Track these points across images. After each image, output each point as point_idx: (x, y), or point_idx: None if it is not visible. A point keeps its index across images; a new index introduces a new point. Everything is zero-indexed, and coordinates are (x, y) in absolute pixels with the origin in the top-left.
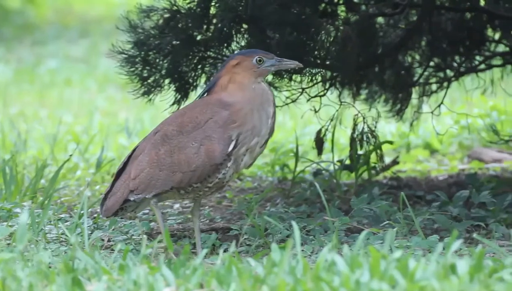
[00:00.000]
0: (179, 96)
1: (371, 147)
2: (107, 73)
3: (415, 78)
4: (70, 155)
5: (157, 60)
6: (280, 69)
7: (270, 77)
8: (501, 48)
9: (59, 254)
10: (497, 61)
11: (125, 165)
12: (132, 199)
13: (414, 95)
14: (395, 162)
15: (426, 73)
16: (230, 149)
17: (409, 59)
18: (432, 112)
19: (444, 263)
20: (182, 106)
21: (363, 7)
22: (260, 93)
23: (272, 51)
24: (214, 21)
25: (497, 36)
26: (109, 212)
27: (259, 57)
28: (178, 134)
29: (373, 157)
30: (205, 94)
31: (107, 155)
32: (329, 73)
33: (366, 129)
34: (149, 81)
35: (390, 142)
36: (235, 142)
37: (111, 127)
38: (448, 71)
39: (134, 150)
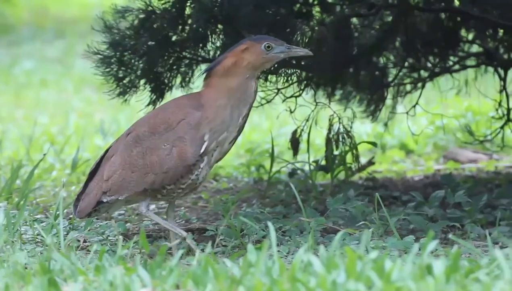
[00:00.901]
0: (155, 96)
1: (346, 148)
2: (83, 74)
3: (390, 79)
4: (44, 154)
5: (133, 60)
6: (289, 56)
7: None
8: (475, 48)
9: (35, 255)
10: (471, 61)
11: (98, 166)
12: (105, 200)
13: (389, 96)
14: (370, 163)
15: (400, 74)
16: (202, 150)
17: (384, 60)
18: (407, 113)
19: (420, 263)
20: (156, 106)
21: (338, 8)
22: (244, 89)
23: None
24: (190, 21)
25: (471, 36)
26: (83, 213)
27: (267, 43)
28: (150, 136)
29: (348, 158)
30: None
31: (83, 155)
32: (304, 74)
33: (341, 129)
34: (124, 81)
35: (373, 144)
36: (207, 135)
37: (87, 128)
38: (422, 71)
39: (107, 151)
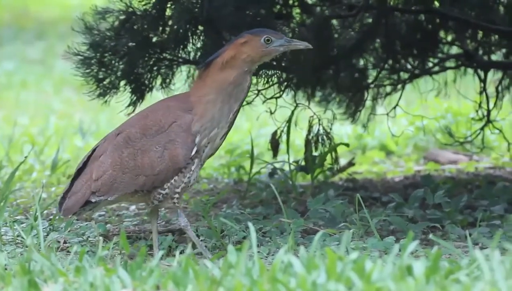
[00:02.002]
0: (135, 97)
1: (326, 149)
2: (63, 75)
3: (370, 81)
4: (26, 157)
5: (113, 61)
6: (289, 49)
7: None
8: (454, 50)
9: (15, 256)
10: (451, 63)
11: (85, 164)
12: (93, 200)
13: (369, 97)
14: (350, 164)
15: (380, 75)
16: (193, 153)
17: (364, 61)
18: (387, 114)
19: (400, 264)
20: (138, 108)
21: (318, 9)
22: (238, 83)
23: None
24: (170, 22)
25: (450, 38)
26: (69, 211)
27: (267, 36)
28: (142, 137)
29: (328, 159)
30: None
31: (63, 156)
32: (284, 75)
33: (321, 131)
34: (104, 82)
35: (346, 145)
36: (198, 137)
37: (67, 129)
38: (402, 73)
39: (94, 149)
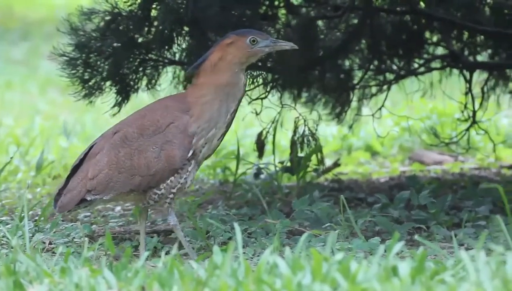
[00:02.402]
0: (120, 98)
1: (312, 150)
2: (48, 75)
3: (355, 81)
4: (11, 157)
5: (98, 62)
6: (275, 50)
7: None
8: (440, 51)
9: (0, 257)
10: (436, 64)
11: (81, 161)
12: (89, 198)
13: (354, 98)
14: (336, 164)
15: (366, 76)
16: (189, 154)
17: (350, 62)
18: (373, 115)
19: (385, 265)
20: (123, 109)
21: (304, 10)
22: (234, 84)
23: None
24: (155, 23)
25: (436, 38)
26: (64, 208)
27: (253, 37)
28: (139, 137)
29: (314, 159)
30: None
31: (48, 157)
32: (270, 76)
33: (307, 132)
34: (90, 83)
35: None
36: (195, 139)
37: (51, 129)
38: (388, 74)
39: (90, 147)
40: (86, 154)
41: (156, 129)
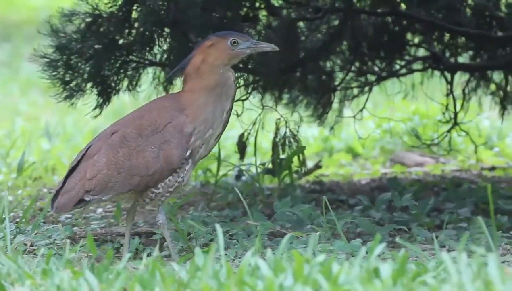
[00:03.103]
0: (102, 100)
1: (294, 151)
2: (29, 77)
3: (337, 83)
4: None
5: (79, 64)
6: (256, 52)
7: None
8: (421, 52)
9: None
10: (418, 65)
11: (78, 162)
12: (87, 199)
13: (336, 100)
14: (317, 166)
15: (347, 77)
16: (188, 153)
17: (331, 64)
18: (354, 117)
19: (367, 267)
20: (104, 110)
21: (285, 12)
22: (223, 83)
23: None
24: (136, 25)
25: (417, 40)
26: (62, 209)
27: (233, 39)
28: (137, 137)
29: (296, 161)
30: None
31: (29, 159)
32: (251, 77)
33: (288, 133)
34: (71, 85)
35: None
36: (192, 138)
37: (33, 131)
38: (369, 75)
39: (88, 148)
40: (83, 155)
41: (154, 129)
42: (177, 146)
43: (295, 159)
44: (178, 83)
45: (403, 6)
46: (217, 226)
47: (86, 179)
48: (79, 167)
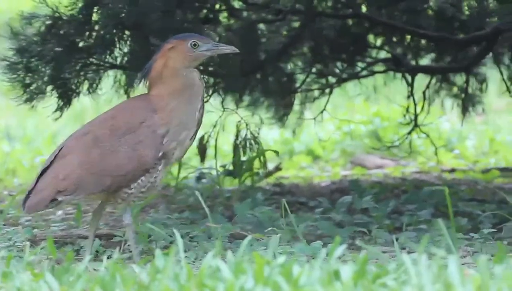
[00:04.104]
0: (62, 103)
1: (254, 153)
2: None
3: (298, 85)
4: None
5: (40, 67)
6: (216, 54)
7: None
8: (383, 54)
9: None
10: (379, 67)
11: (51, 163)
12: (60, 199)
13: (297, 102)
14: (277, 168)
15: (308, 79)
16: (160, 153)
17: (292, 65)
18: (314, 119)
19: (328, 269)
20: (65, 113)
21: (245, 14)
22: (190, 84)
23: None
24: (97, 27)
25: (379, 42)
26: (33, 209)
27: (194, 41)
28: (111, 138)
29: (256, 163)
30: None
31: None
32: (212, 80)
33: (249, 135)
34: (31, 88)
35: (276, 152)
36: (165, 139)
37: None
38: (330, 77)
39: (60, 149)
40: (56, 155)
41: (128, 130)
42: (150, 146)
43: (256, 161)
44: (139, 87)
45: (364, 8)
46: (175, 230)
47: (58, 179)
48: (52, 167)
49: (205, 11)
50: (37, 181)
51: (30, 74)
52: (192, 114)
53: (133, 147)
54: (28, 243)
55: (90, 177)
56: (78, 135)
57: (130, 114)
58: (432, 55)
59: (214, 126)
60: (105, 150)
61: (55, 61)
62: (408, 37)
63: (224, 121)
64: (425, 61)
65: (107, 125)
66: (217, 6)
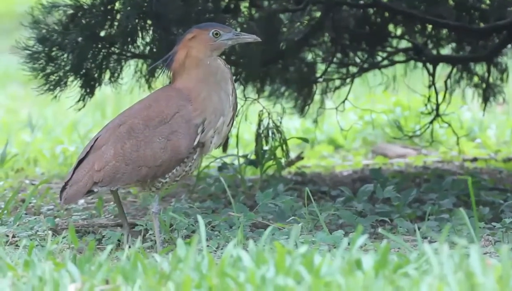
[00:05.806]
0: (85, 92)
1: (276, 143)
2: (7, 70)
3: (318, 75)
4: None
5: (61, 56)
6: (238, 43)
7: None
8: (404, 44)
9: None
10: (400, 57)
11: (87, 154)
12: (96, 190)
13: (318, 92)
14: (299, 157)
15: (329, 69)
16: (195, 143)
17: (313, 55)
18: (336, 108)
19: (349, 258)
20: (87, 103)
21: (266, 3)
22: (215, 71)
23: None
24: (118, 17)
25: (399, 32)
26: (71, 200)
27: (215, 30)
28: (145, 128)
29: (278, 153)
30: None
31: (11, 150)
32: (233, 69)
33: (271, 125)
34: (53, 77)
35: (305, 140)
36: (202, 128)
37: (13, 123)
38: (351, 67)
39: (95, 140)
40: (91, 146)
41: (162, 120)
42: (184, 136)
43: (278, 150)
44: (160, 76)
45: None
46: (199, 217)
47: (94, 170)
48: (87, 159)
49: (226, 0)
50: (73, 172)
51: (51, 64)
52: (225, 99)
53: (167, 137)
54: (50, 232)
55: (125, 168)
56: (113, 126)
57: (164, 104)
58: (453, 44)
59: (236, 115)
60: (139, 141)
61: (77, 50)
62: (429, 26)
63: (246, 111)
64: (446, 50)
65: (141, 116)
66: None
